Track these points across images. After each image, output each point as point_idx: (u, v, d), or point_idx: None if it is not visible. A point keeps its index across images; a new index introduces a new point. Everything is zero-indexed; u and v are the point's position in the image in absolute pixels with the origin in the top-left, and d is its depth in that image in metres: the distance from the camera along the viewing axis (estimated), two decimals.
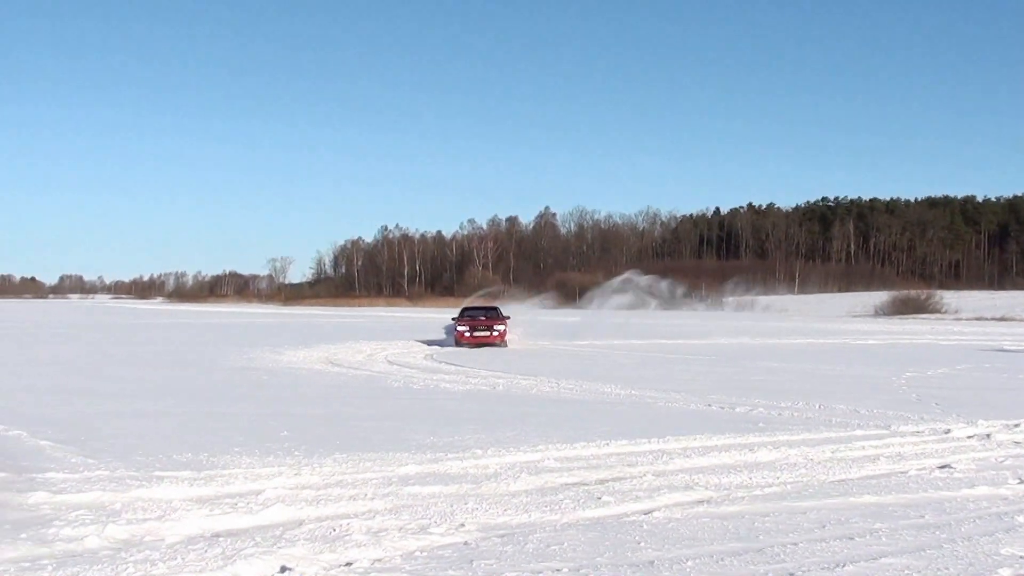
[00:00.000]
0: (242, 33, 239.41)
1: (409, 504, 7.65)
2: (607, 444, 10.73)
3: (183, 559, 5.97)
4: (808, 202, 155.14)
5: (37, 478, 8.31)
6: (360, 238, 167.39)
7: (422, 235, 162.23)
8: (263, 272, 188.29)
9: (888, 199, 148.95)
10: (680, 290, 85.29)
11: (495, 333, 32.44)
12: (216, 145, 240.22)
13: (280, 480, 8.45)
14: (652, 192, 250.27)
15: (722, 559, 6.17)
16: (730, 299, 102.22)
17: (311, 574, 5.80)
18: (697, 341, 37.67)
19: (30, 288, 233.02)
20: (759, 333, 44.58)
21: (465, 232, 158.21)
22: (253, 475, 8.62)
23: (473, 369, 22.47)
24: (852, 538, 6.74)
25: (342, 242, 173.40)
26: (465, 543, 6.51)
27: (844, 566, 6.02)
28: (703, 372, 22.21)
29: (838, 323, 64.84)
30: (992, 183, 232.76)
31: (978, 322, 65.79)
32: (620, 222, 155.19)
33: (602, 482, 8.67)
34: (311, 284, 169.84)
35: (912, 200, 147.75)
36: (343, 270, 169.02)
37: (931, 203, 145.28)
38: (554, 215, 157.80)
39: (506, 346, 32.18)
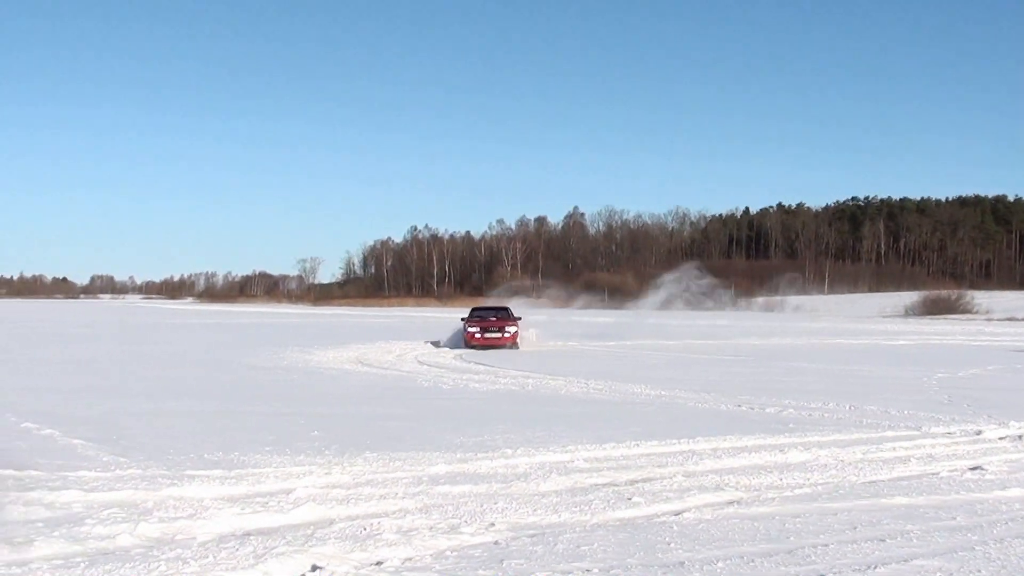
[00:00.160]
0: (277, 34, 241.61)
1: (439, 503, 7.67)
2: (637, 445, 10.70)
3: (215, 557, 6.01)
4: (838, 202, 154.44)
5: (69, 476, 8.38)
6: (389, 238, 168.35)
7: (451, 235, 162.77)
8: (293, 272, 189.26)
9: (919, 198, 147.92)
10: (727, 293, 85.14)
11: (507, 335, 31.12)
12: (247, 147, 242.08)
13: (311, 479, 8.49)
14: (681, 192, 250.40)
15: (752, 560, 6.14)
16: (759, 299, 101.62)
17: (342, 573, 5.81)
18: (727, 341, 37.46)
19: (61, 288, 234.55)
20: (789, 333, 44.30)
21: (494, 232, 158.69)
22: (284, 474, 8.67)
23: (503, 369, 22.48)
24: (883, 540, 6.69)
25: (371, 243, 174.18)
26: (495, 543, 6.52)
27: (875, 568, 5.98)
28: (733, 372, 22.08)
29: (868, 323, 64.28)
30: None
31: (1009, 322, 65.04)
32: (649, 222, 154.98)
33: (632, 483, 8.64)
34: (340, 284, 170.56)
35: (943, 199, 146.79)
36: (372, 270, 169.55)
37: (962, 202, 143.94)
38: (583, 215, 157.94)
39: (518, 348, 30.99)
